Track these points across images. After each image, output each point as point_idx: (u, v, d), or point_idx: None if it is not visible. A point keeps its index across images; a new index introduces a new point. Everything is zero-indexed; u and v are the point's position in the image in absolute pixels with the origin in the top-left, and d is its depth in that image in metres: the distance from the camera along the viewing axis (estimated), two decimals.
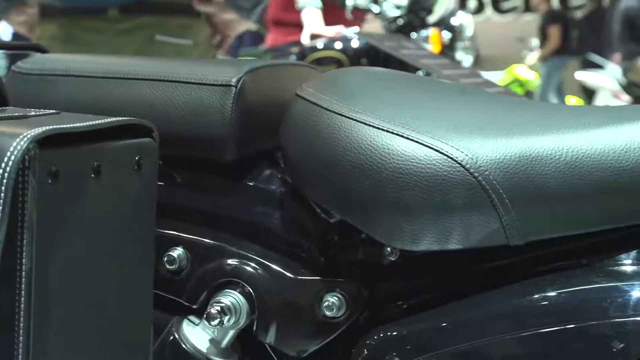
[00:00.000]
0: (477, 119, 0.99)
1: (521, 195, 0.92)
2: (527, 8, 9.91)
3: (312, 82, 1.09)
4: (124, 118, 0.89)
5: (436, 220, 0.93)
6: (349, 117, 0.99)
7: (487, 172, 0.91)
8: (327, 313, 1.05)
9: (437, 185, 0.92)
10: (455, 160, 0.92)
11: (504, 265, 1.02)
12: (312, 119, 1.02)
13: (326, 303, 1.04)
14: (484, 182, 0.91)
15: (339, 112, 1.00)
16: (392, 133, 0.95)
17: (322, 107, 1.02)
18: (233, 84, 1.07)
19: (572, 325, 0.92)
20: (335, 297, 1.04)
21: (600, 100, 7.14)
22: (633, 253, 0.96)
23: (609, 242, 0.97)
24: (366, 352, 1.01)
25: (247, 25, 2.40)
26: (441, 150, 0.93)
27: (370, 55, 3.40)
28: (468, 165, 0.92)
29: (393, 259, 1.06)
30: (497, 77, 7.14)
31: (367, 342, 1.02)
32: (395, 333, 1.01)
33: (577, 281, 0.95)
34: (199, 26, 2.30)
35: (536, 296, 0.95)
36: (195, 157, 1.12)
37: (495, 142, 0.93)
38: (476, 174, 0.91)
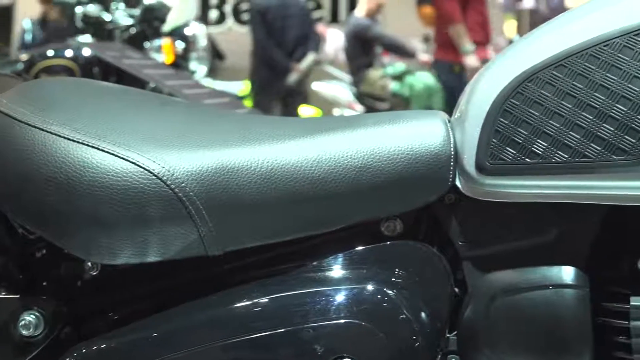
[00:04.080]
0: (177, 131, 0.99)
1: (218, 207, 0.93)
2: None
3: (7, 93, 1.05)
4: None
5: (133, 234, 0.93)
6: (43, 130, 0.96)
7: (183, 184, 0.92)
8: (24, 332, 1.01)
9: (134, 198, 0.91)
10: (151, 173, 0.92)
11: (211, 275, 1.03)
12: (4, 131, 0.98)
13: (22, 322, 1.01)
14: (180, 194, 0.92)
15: (33, 125, 0.97)
16: (87, 145, 0.94)
17: (15, 119, 0.98)
18: None
19: (277, 331, 0.95)
20: (32, 316, 1.01)
21: (336, 111, 7.42)
22: (331, 259, 1.00)
23: (309, 249, 1.01)
24: None
25: None
26: (137, 163, 0.92)
27: (102, 64, 3.33)
28: (164, 178, 0.92)
29: (94, 273, 1.04)
30: (238, 87, 7.21)
31: (67, 359, 0.99)
32: (100, 347, 0.99)
33: (280, 288, 0.98)
34: None
35: (240, 304, 0.97)
36: None
37: (193, 154, 0.94)
38: (173, 186, 0.92)
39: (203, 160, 0.94)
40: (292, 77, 6.31)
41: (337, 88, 7.46)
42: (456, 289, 1.02)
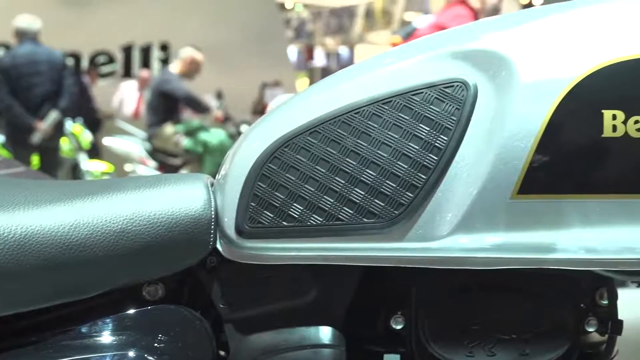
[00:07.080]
0: None
1: None
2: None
3: None
4: None
5: None
6: None
7: None
8: None
9: None
10: None
11: None
12: None
13: None
14: None
15: None
16: None
17: None
18: None
19: None
20: None
21: (128, 166, 7.33)
22: (91, 326, 0.98)
23: (67, 316, 0.98)
24: None
25: None
26: None
27: None
28: None
29: None
30: None
31: None
32: None
33: (36, 356, 0.94)
34: None
35: None
36: None
37: None
38: None
39: None
40: (36, 137, 6.13)
41: (128, 143, 7.39)
42: (221, 352, 1.02)
